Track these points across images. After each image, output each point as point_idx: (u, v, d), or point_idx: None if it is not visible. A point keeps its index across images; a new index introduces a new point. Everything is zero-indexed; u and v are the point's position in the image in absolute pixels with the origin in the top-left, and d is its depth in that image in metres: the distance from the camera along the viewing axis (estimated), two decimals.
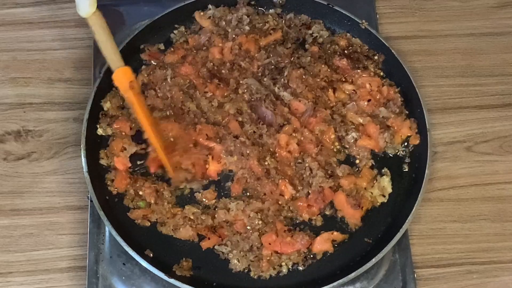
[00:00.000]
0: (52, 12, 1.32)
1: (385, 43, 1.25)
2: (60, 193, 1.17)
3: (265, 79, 1.23)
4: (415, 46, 1.32)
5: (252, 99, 1.19)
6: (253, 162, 1.13)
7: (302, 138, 1.16)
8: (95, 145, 1.17)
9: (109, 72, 1.15)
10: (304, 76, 1.22)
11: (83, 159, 1.12)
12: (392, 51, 1.23)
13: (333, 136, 1.18)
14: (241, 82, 1.21)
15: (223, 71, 1.23)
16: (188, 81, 1.23)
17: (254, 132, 1.16)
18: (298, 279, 1.09)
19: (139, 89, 1.08)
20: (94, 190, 1.09)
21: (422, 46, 1.32)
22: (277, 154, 1.16)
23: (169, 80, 1.22)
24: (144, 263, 1.04)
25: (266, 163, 1.14)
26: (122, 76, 1.05)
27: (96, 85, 1.18)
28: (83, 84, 1.26)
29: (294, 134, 1.17)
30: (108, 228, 1.07)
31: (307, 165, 1.15)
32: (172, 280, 1.04)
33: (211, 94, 1.19)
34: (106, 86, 1.20)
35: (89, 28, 1.03)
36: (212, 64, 1.24)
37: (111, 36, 1.05)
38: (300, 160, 1.16)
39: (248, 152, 1.13)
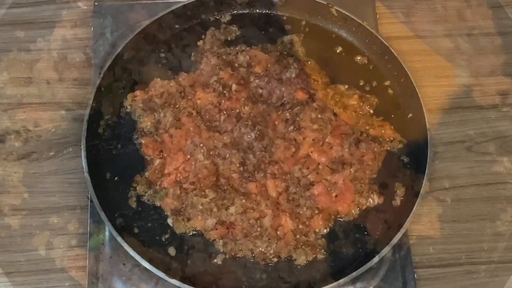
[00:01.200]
0: (51, 12, 1.32)
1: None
2: (61, 193, 1.17)
3: None
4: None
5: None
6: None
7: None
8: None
9: (108, 72, 1.19)
10: None
11: (84, 160, 1.12)
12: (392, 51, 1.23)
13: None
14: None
15: None
16: None
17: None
18: (297, 278, 1.08)
19: None
20: (95, 190, 1.09)
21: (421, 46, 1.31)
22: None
23: None
24: (146, 264, 1.04)
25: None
26: None
27: (96, 86, 1.19)
28: (83, 84, 1.26)
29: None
30: (109, 228, 1.07)
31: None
32: (173, 281, 1.03)
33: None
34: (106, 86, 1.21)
35: None
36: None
37: None
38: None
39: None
